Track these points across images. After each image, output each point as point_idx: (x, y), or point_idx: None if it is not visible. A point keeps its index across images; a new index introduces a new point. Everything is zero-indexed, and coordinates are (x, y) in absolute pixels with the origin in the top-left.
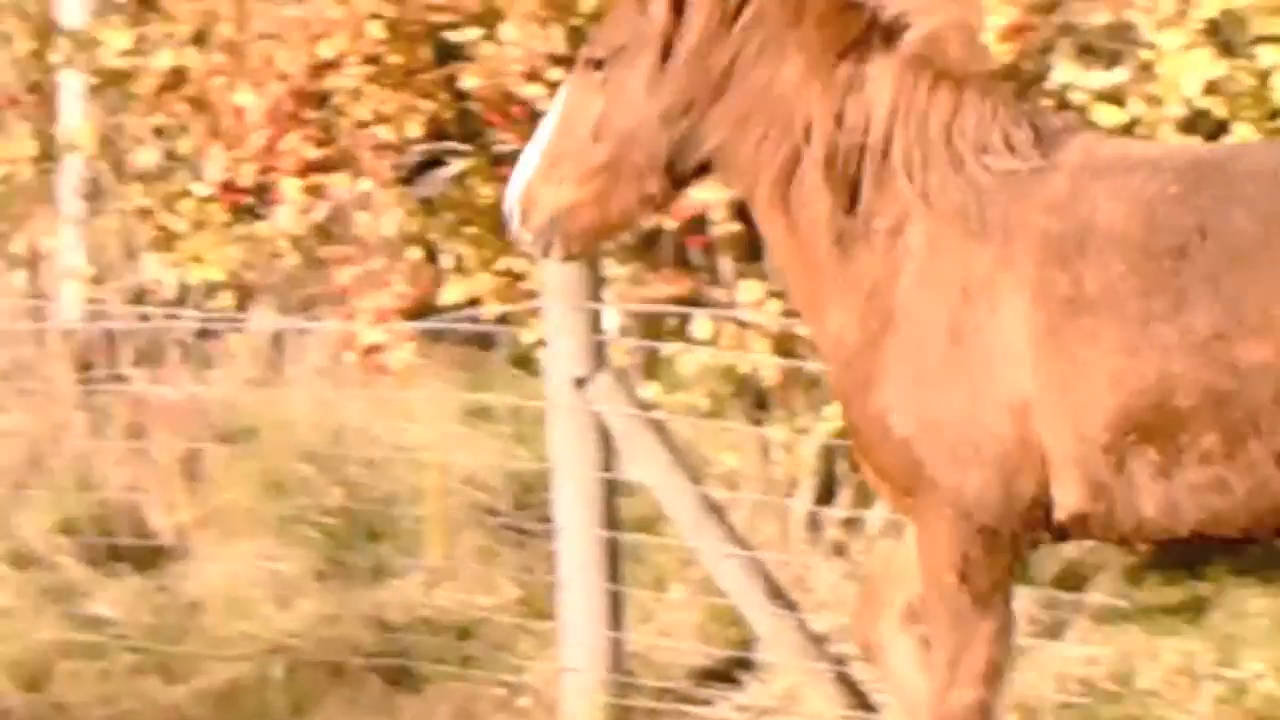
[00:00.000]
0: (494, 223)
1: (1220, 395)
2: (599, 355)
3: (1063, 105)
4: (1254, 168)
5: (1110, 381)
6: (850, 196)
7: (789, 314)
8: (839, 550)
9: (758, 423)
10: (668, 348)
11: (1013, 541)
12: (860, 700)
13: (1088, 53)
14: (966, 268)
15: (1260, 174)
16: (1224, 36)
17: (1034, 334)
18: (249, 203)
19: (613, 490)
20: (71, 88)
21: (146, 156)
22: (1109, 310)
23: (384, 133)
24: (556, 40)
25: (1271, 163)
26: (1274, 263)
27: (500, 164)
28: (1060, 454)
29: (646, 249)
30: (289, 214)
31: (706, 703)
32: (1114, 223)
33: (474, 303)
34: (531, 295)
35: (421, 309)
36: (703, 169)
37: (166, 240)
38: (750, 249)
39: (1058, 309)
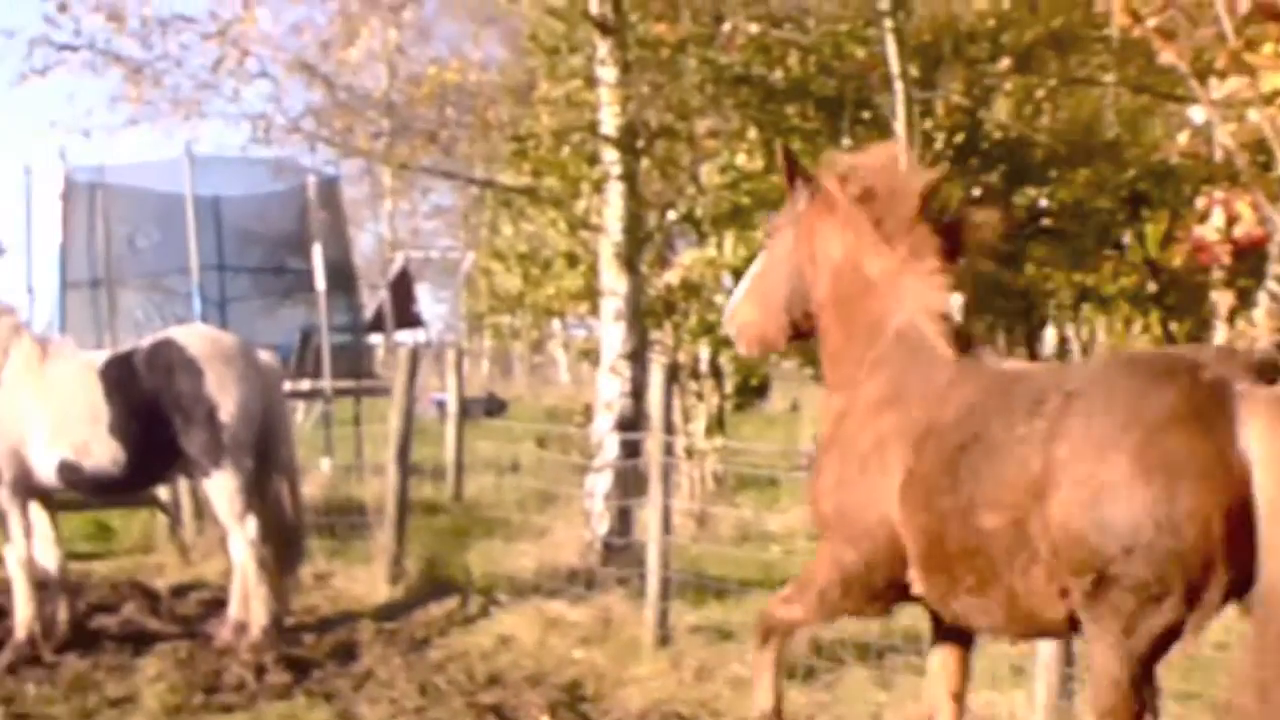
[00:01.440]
0: None
1: (971, 548)
2: None
3: None
4: (1027, 390)
5: (918, 528)
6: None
7: None
8: None
9: None
10: None
11: (877, 600)
12: None
13: None
14: (882, 427)
15: (1026, 395)
16: None
17: (900, 484)
18: None
19: None
20: None
21: None
22: (924, 481)
23: None
24: None
25: (1036, 387)
26: (1006, 461)
27: None
28: (908, 564)
29: None
30: None
31: None
32: (943, 421)
33: None
34: None
35: None
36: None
37: None
38: None
39: (913, 480)
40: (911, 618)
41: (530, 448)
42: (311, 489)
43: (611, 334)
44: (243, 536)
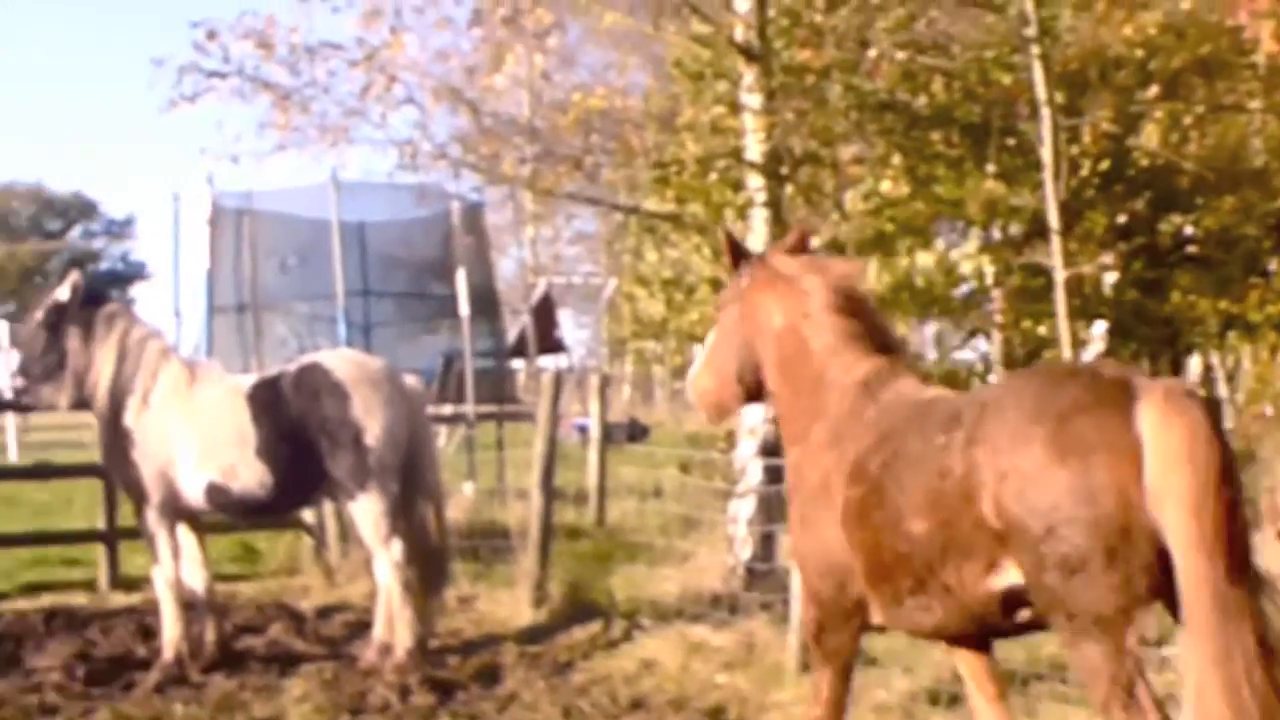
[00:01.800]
0: None
1: (905, 554)
2: None
3: None
4: (944, 408)
5: (858, 546)
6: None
7: None
8: None
9: None
10: None
11: (851, 621)
12: None
13: None
14: (825, 466)
15: (943, 411)
16: None
17: (844, 519)
18: None
19: None
20: None
21: None
22: (861, 506)
23: None
24: None
25: (953, 405)
26: (928, 470)
27: None
28: (861, 580)
29: None
30: None
31: None
32: (869, 447)
33: None
34: None
35: None
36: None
37: None
38: None
39: (850, 506)
40: (1056, 644)
41: (673, 473)
42: (455, 513)
43: None
44: (388, 559)
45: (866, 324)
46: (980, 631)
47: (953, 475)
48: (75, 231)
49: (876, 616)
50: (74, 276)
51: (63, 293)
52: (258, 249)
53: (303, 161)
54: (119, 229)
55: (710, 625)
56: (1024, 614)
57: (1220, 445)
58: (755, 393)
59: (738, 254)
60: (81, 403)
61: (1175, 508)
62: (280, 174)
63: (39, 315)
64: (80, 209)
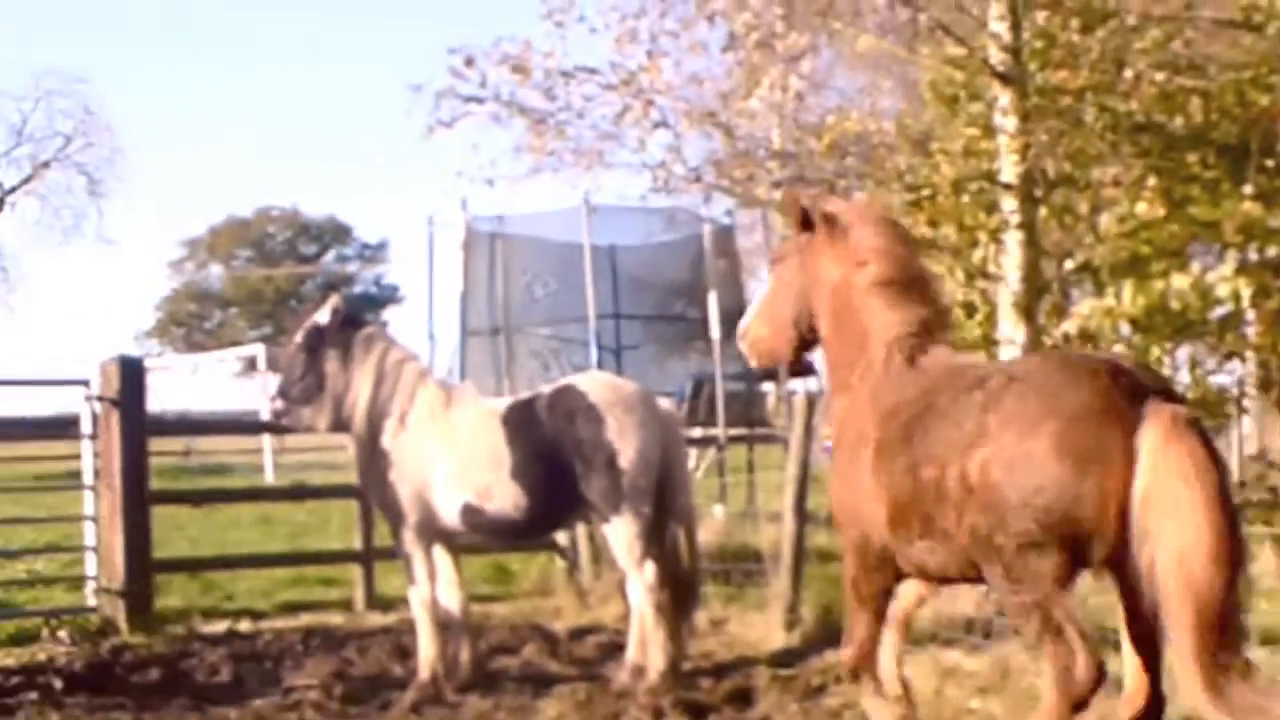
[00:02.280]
0: None
1: (914, 497)
2: None
3: None
4: (975, 372)
5: (882, 488)
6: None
7: None
8: None
9: None
10: None
11: (880, 569)
12: None
13: None
14: (863, 419)
15: (974, 375)
16: None
17: (873, 462)
18: None
19: None
20: None
21: None
22: (888, 450)
23: None
24: None
25: (984, 371)
26: (946, 424)
27: None
28: (884, 526)
29: None
30: None
31: None
32: (904, 400)
33: None
34: None
35: None
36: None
37: None
38: None
39: (878, 450)
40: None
41: None
42: (706, 535)
43: None
44: (641, 581)
45: (914, 285)
46: (974, 575)
47: (963, 430)
48: (329, 255)
49: (900, 562)
50: (334, 300)
51: (322, 316)
52: (510, 272)
53: (556, 185)
54: (372, 253)
55: (963, 650)
56: None
57: (1218, 468)
58: (807, 343)
59: (805, 216)
60: (340, 425)
61: (1176, 523)
62: (532, 197)
63: (298, 338)
64: (335, 233)
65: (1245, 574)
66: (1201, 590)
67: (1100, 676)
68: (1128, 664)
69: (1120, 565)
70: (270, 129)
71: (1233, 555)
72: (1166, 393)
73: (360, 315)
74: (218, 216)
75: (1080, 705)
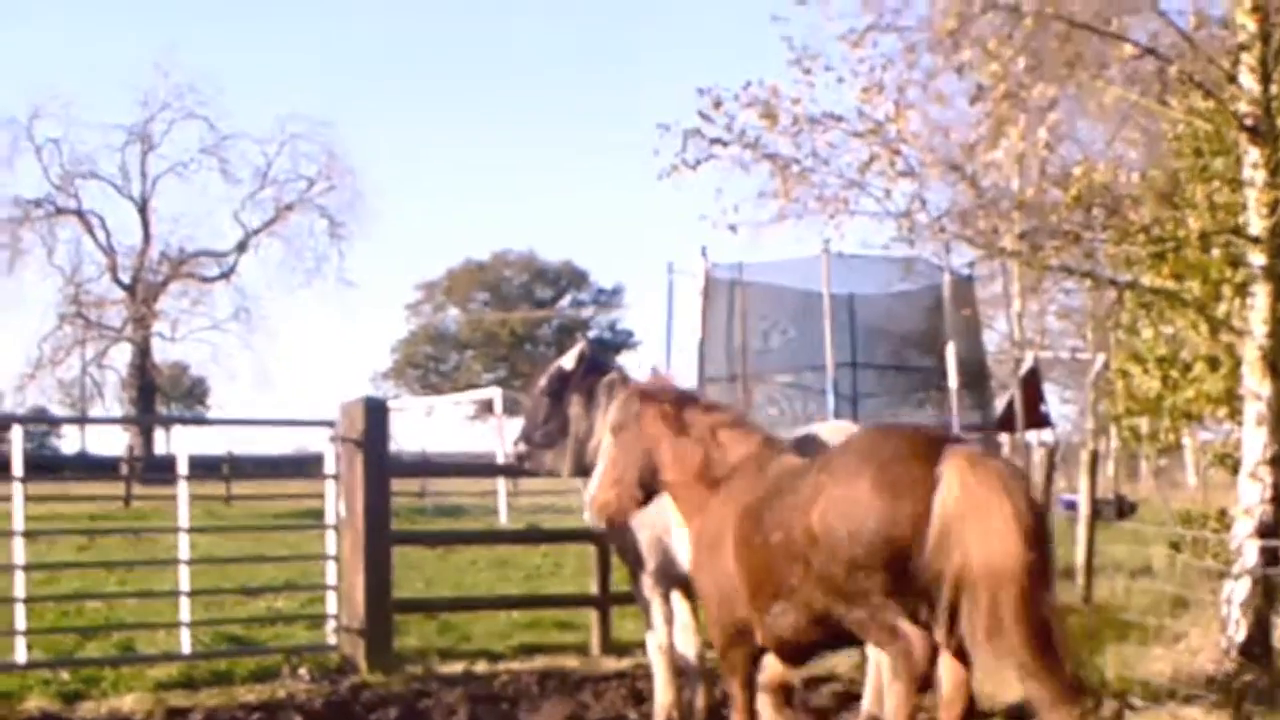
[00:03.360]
0: None
1: (767, 564)
2: None
3: None
4: (809, 461)
5: (742, 567)
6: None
7: None
8: None
9: None
10: None
11: (743, 643)
12: None
13: None
14: (721, 519)
15: (806, 463)
16: None
17: (733, 551)
18: None
19: None
20: None
21: None
22: (744, 537)
23: None
24: None
25: (820, 454)
26: (790, 496)
27: None
28: (745, 602)
29: None
30: None
31: None
32: (757, 494)
33: None
34: None
35: None
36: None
37: None
38: None
39: (736, 540)
40: None
41: (1161, 550)
42: None
43: (1253, 439)
44: None
45: (741, 425)
46: (823, 636)
47: (802, 495)
48: (565, 300)
49: (758, 636)
50: (580, 345)
51: (567, 361)
52: (748, 319)
53: (798, 231)
54: (608, 298)
55: (1202, 708)
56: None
57: (1022, 485)
58: (649, 495)
59: (625, 382)
60: (582, 470)
61: (975, 545)
62: (770, 244)
63: (542, 383)
64: (571, 277)
65: (1049, 574)
66: (1009, 584)
67: (934, 652)
68: (943, 669)
69: (935, 577)
70: (508, 172)
71: (1039, 559)
72: (964, 444)
73: (605, 361)
74: (455, 260)
75: (924, 682)
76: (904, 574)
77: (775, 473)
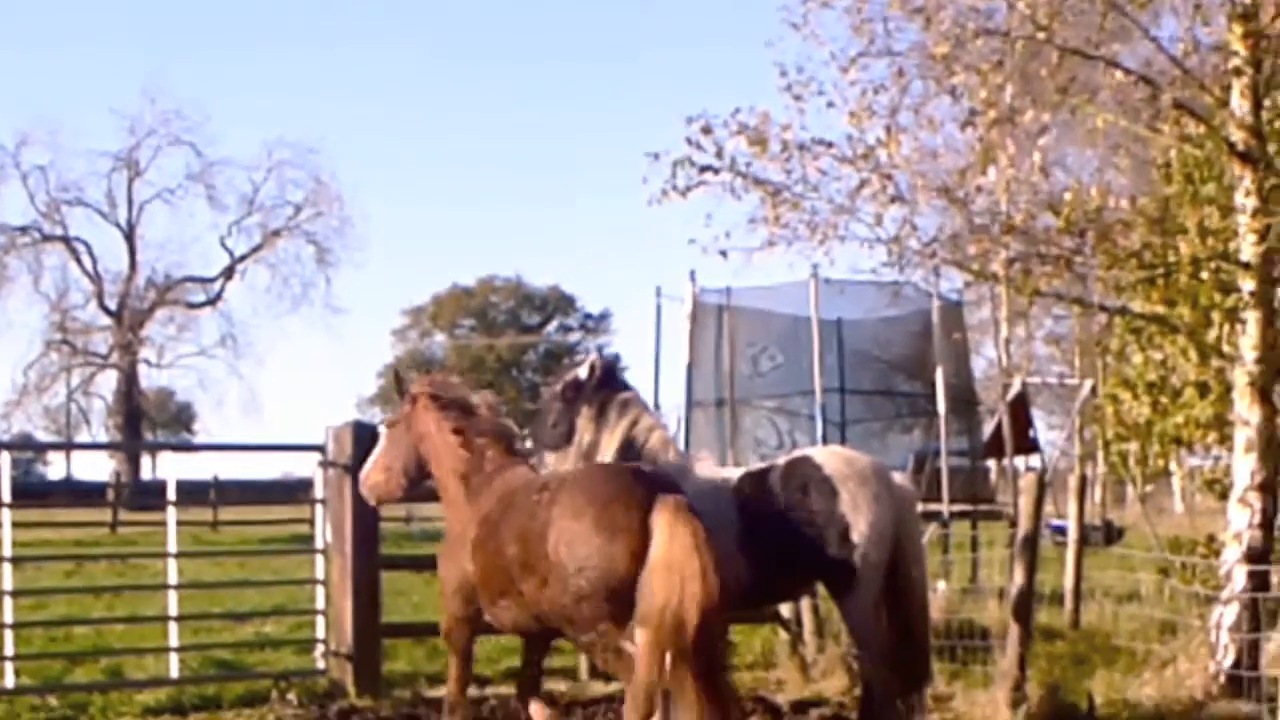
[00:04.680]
0: None
1: (500, 569)
2: None
3: None
4: (541, 480)
5: (477, 566)
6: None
7: None
8: None
9: None
10: None
11: (468, 624)
12: None
13: None
14: (464, 518)
15: (539, 482)
16: None
17: (471, 548)
18: None
19: None
20: None
21: None
22: (480, 540)
23: None
24: None
25: (546, 479)
26: (523, 516)
27: None
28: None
29: None
30: None
31: None
32: (493, 505)
33: None
34: None
35: None
36: (425, 475)
37: None
38: None
39: (475, 541)
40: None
41: (1149, 576)
42: (930, 611)
43: (1243, 464)
44: (870, 654)
45: (493, 431)
46: (541, 630)
47: (537, 519)
48: (552, 325)
49: (486, 615)
50: (594, 357)
51: (582, 371)
52: (736, 345)
53: (788, 257)
54: (595, 323)
55: None
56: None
57: (704, 540)
58: (414, 482)
59: (401, 386)
60: None
61: (684, 575)
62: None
63: (557, 387)
64: (558, 303)
65: (725, 618)
66: (684, 633)
67: (662, 673)
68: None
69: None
70: (495, 198)
71: (718, 603)
72: (675, 488)
73: (619, 378)
74: (442, 285)
75: (650, 694)
76: (626, 605)
77: (509, 487)
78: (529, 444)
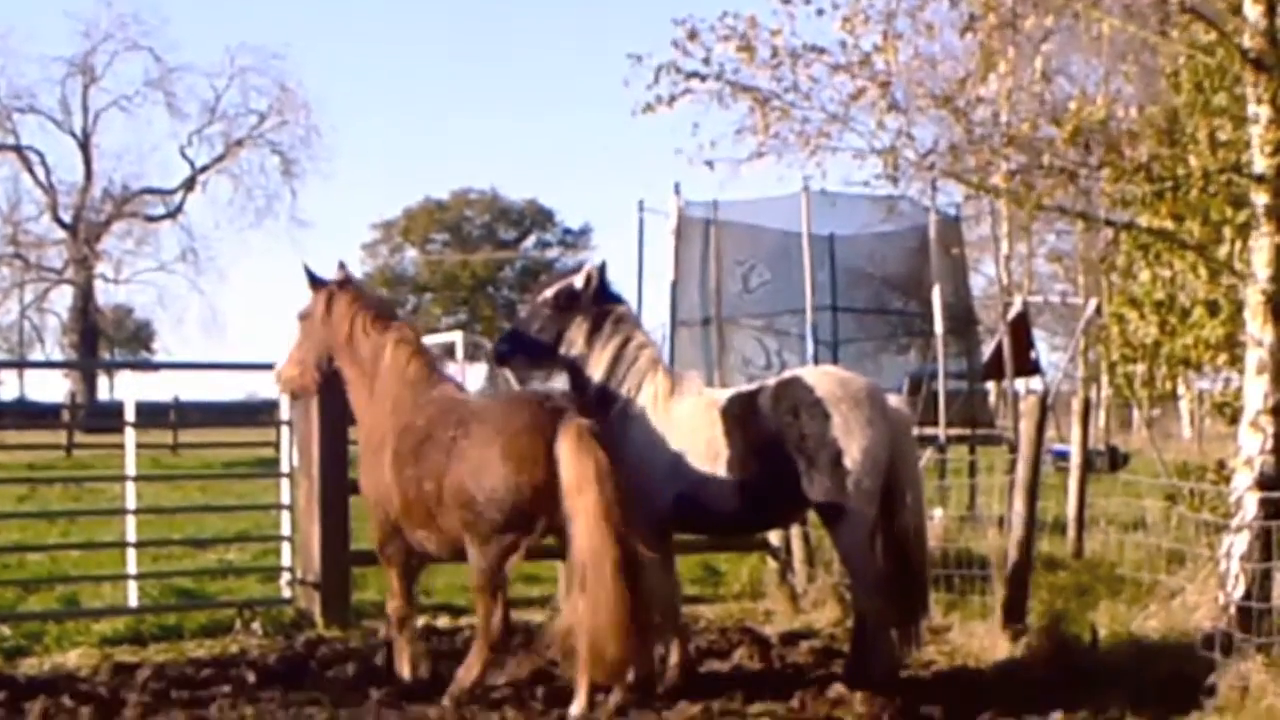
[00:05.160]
0: None
1: (417, 500)
2: None
3: None
4: (455, 409)
5: (396, 489)
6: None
7: None
8: None
9: None
10: None
11: (397, 537)
12: None
13: None
14: (384, 429)
15: (454, 412)
16: None
17: (390, 464)
18: None
19: None
20: None
21: None
22: (400, 460)
23: None
24: None
25: (461, 410)
26: (438, 451)
27: None
28: (397, 510)
29: None
30: None
31: None
32: (415, 424)
33: None
34: None
35: None
36: (336, 370)
37: None
38: None
39: (394, 457)
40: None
41: (1155, 503)
42: (927, 540)
43: (1254, 387)
44: (863, 585)
45: (412, 342)
46: (452, 558)
47: (450, 454)
48: (529, 240)
49: (406, 540)
50: (589, 267)
51: (578, 280)
52: (723, 261)
53: (779, 170)
54: (575, 238)
55: (1199, 667)
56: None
57: (608, 465)
58: (326, 377)
59: (314, 280)
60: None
61: (583, 504)
62: (747, 182)
63: (549, 294)
64: (535, 217)
65: (633, 551)
66: (599, 560)
67: (509, 630)
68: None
69: (564, 539)
70: (468, 107)
71: (619, 536)
72: (580, 412)
73: (617, 293)
74: (413, 199)
75: (497, 647)
76: (530, 531)
77: (433, 407)
78: (504, 352)
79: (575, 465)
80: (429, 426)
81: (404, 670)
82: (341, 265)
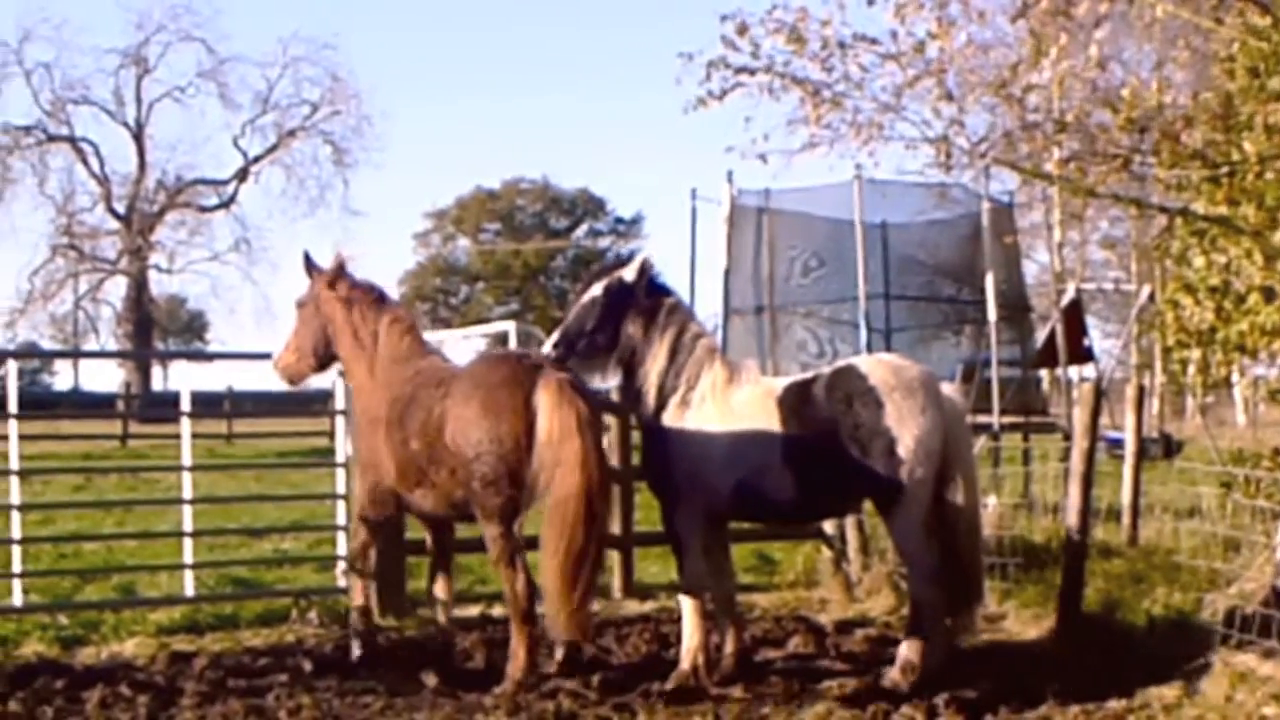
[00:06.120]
0: None
1: (410, 461)
2: None
3: None
4: (439, 373)
5: (389, 452)
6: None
7: None
8: None
9: None
10: None
11: (383, 505)
12: None
13: None
14: (377, 400)
15: (437, 375)
16: None
17: (384, 434)
18: None
19: None
20: None
21: None
22: (392, 427)
23: None
24: None
25: (444, 373)
26: (422, 411)
27: None
28: (392, 477)
29: None
30: None
31: None
32: (403, 393)
33: None
34: None
35: None
36: (333, 356)
37: None
38: None
39: (387, 426)
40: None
41: (1209, 490)
42: (981, 528)
43: None
44: (919, 573)
45: (405, 321)
46: (453, 515)
47: (434, 414)
48: (581, 230)
49: (407, 502)
50: (642, 258)
51: (629, 273)
52: (776, 249)
53: (830, 160)
54: (626, 228)
55: (1257, 653)
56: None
57: (589, 415)
58: (323, 363)
59: (311, 267)
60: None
61: (565, 453)
62: (799, 172)
63: (598, 290)
64: (587, 206)
65: (607, 504)
66: (567, 500)
67: (533, 591)
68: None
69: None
70: (521, 98)
71: (592, 485)
72: (559, 369)
73: (667, 285)
74: (465, 188)
75: (529, 618)
76: (522, 483)
77: (420, 376)
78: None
79: (556, 416)
80: (415, 392)
81: (357, 599)
82: (338, 253)
